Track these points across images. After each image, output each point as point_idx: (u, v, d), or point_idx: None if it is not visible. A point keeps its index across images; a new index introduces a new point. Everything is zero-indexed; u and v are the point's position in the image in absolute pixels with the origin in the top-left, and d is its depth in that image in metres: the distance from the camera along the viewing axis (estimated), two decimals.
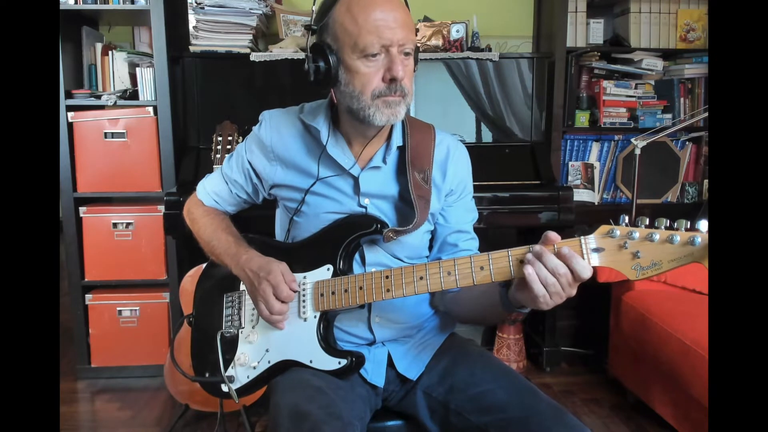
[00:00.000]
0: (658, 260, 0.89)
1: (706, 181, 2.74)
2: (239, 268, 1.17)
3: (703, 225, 0.86)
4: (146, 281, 2.51)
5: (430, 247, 1.28)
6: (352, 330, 1.22)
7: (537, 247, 0.93)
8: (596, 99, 2.69)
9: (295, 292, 1.14)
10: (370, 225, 1.14)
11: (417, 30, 1.12)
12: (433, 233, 1.27)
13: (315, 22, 1.13)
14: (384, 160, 1.20)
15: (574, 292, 0.94)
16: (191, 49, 2.43)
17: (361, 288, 1.09)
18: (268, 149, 1.24)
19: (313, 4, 1.16)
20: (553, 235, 0.94)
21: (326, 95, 1.22)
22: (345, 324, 1.21)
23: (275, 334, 1.17)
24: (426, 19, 2.56)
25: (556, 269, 0.91)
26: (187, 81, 2.41)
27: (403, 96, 1.10)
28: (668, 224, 0.90)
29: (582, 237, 0.93)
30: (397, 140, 1.21)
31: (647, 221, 0.91)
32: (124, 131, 2.44)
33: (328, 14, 1.09)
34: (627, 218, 0.92)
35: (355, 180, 1.20)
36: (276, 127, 1.24)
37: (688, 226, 0.89)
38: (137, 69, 2.47)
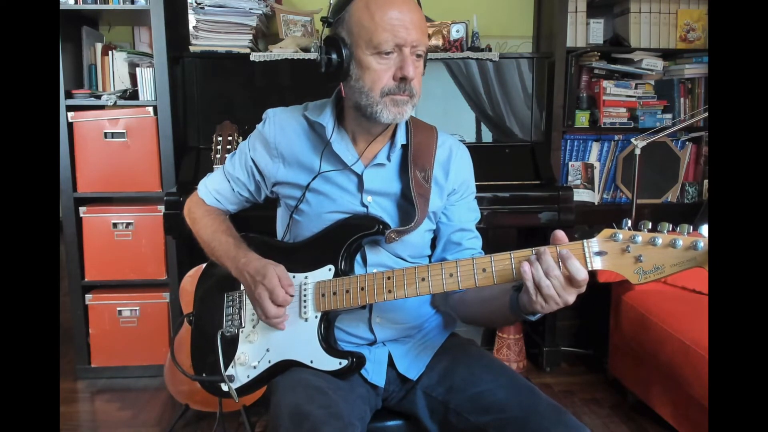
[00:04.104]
0: (660, 264, 0.89)
1: (706, 181, 2.74)
2: (238, 270, 1.18)
3: (706, 229, 0.86)
4: (146, 281, 2.51)
5: (433, 246, 1.28)
6: (353, 330, 1.22)
7: (542, 248, 0.94)
8: (596, 99, 2.69)
9: (291, 296, 1.14)
10: (372, 226, 1.14)
11: (430, 36, 1.14)
12: (436, 232, 1.27)
13: (332, 15, 1.14)
14: (388, 158, 1.21)
15: (571, 298, 0.94)
16: (191, 49, 2.43)
17: (362, 289, 1.09)
18: (272, 146, 1.24)
19: None
20: (560, 234, 0.95)
21: (331, 92, 1.22)
22: (346, 324, 1.21)
23: (276, 333, 1.17)
24: (426, 19, 2.56)
25: (549, 270, 0.92)
26: (187, 81, 2.41)
27: (411, 96, 1.11)
28: (671, 228, 0.89)
29: (585, 240, 0.93)
30: (401, 138, 1.22)
31: (650, 225, 0.90)
32: (124, 131, 2.44)
33: (345, 8, 1.11)
34: (629, 222, 0.92)
35: (359, 177, 1.20)
36: (280, 125, 1.24)
37: (691, 231, 0.88)
38: (137, 69, 2.47)
